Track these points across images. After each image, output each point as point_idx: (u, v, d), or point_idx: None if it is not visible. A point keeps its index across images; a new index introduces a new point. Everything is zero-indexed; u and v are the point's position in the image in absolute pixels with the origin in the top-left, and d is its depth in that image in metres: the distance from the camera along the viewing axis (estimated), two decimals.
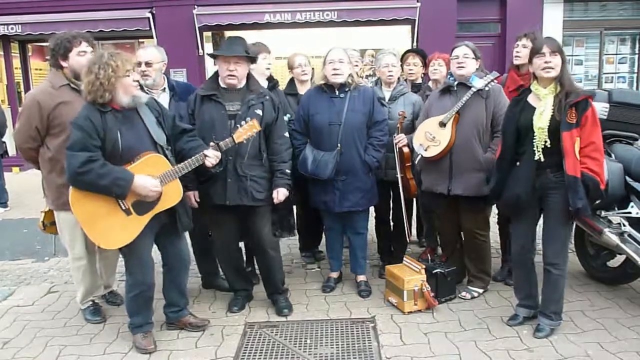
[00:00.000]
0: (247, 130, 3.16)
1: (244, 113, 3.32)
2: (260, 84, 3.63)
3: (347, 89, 3.66)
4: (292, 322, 3.47)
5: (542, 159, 3.01)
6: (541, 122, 2.98)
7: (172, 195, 3.00)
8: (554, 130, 2.95)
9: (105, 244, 3.01)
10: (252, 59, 3.47)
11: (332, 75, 3.61)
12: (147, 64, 3.54)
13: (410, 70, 4.48)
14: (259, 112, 3.37)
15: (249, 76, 3.48)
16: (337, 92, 3.66)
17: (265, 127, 3.37)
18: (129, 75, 2.90)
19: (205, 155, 3.04)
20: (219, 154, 3.11)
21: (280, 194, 3.43)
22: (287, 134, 3.57)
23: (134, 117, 2.98)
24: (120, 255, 3.25)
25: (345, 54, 3.65)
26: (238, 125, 3.19)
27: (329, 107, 3.65)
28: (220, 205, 3.40)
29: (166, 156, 3.01)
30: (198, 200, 3.48)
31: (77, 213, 2.90)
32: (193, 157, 3.03)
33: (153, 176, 2.92)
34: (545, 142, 2.98)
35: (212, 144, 3.12)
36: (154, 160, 2.95)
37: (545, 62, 2.97)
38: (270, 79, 4.06)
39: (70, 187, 2.88)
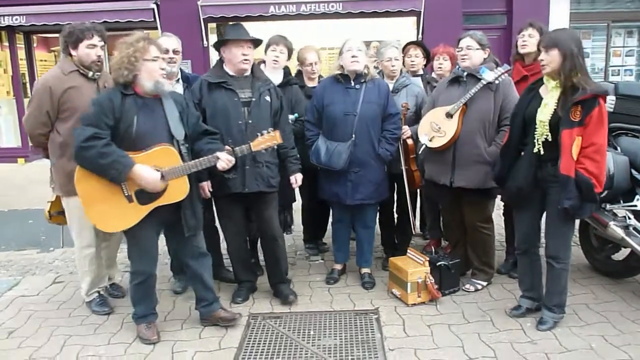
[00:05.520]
0: (266, 141, 3.11)
1: (257, 100, 3.36)
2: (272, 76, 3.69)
3: (362, 80, 3.64)
4: (296, 314, 3.47)
5: (542, 152, 2.98)
6: (543, 115, 2.95)
7: (177, 191, 2.94)
8: (555, 125, 2.89)
9: (101, 226, 3.03)
10: (257, 43, 3.51)
11: (351, 62, 3.58)
12: (175, 52, 3.57)
13: (412, 62, 4.44)
14: (268, 98, 3.43)
15: (252, 64, 3.49)
16: (352, 83, 3.64)
17: (275, 114, 3.45)
18: (155, 60, 2.90)
19: (218, 158, 2.98)
20: (232, 159, 3.04)
21: (298, 179, 3.57)
22: (290, 120, 3.69)
23: (155, 107, 2.96)
24: (121, 246, 3.25)
25: (363, 44, 3.64)
26: (258, 134, 3.11)
27: (344, 98, 3.63)
28: (231, 196, 3.41)
29: (180, 152, 2.96)
30: (211, 190, 3.46)
31: (80, 190, 2.92)
32: (205, 157, 2.97)
33: (160, 169, 2.88)
34: (547, 136, 2.94)
35: (227, 148, 3.07)
36: (165, 152, 2.91)
37: (540, 60, 2.95)
38: (287, 74, 4.00)
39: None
